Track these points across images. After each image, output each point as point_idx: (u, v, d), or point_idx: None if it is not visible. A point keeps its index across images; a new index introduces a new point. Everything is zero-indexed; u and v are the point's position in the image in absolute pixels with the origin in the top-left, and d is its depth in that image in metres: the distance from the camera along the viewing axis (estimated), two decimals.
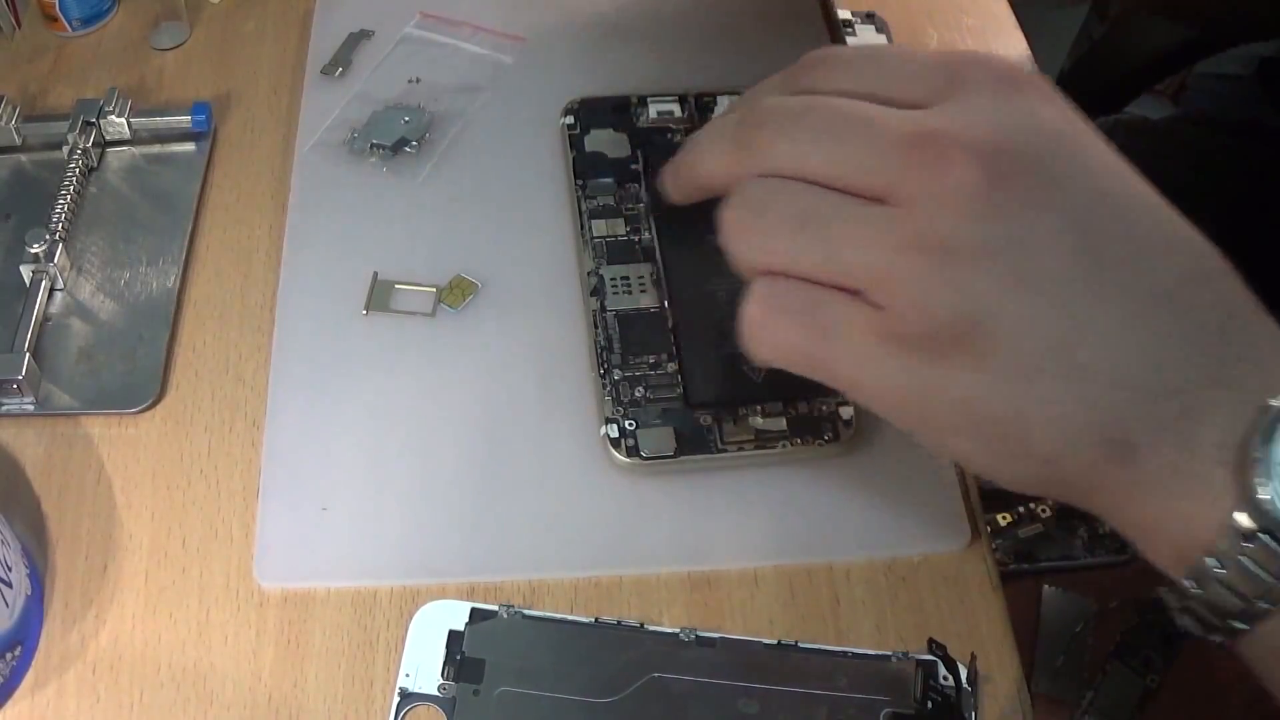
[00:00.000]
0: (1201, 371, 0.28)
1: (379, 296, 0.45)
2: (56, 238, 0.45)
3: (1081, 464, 0.28)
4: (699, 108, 0.50)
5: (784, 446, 0.40)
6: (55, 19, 0.55)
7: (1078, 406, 0.28)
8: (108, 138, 0.50)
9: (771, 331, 0.31)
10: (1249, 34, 0.80)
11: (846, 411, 0.41)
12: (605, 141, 0.49)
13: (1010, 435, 0.29)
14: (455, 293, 0.45)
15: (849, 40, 0.61)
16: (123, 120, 0.50)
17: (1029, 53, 0.64)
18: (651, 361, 0.42)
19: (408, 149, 0.50)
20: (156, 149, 0.51)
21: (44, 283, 0.45)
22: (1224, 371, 0.28)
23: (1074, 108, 0.31)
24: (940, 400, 0.29)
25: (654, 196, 0.47)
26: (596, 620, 0.38)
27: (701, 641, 0.37)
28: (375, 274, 0.45)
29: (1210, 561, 0.27)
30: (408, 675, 0.36)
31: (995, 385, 0.28)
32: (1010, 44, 0.63)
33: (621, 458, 0.40)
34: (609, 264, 0.45)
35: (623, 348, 0.42)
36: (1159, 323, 0.28)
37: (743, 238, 0.32)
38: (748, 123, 0.33)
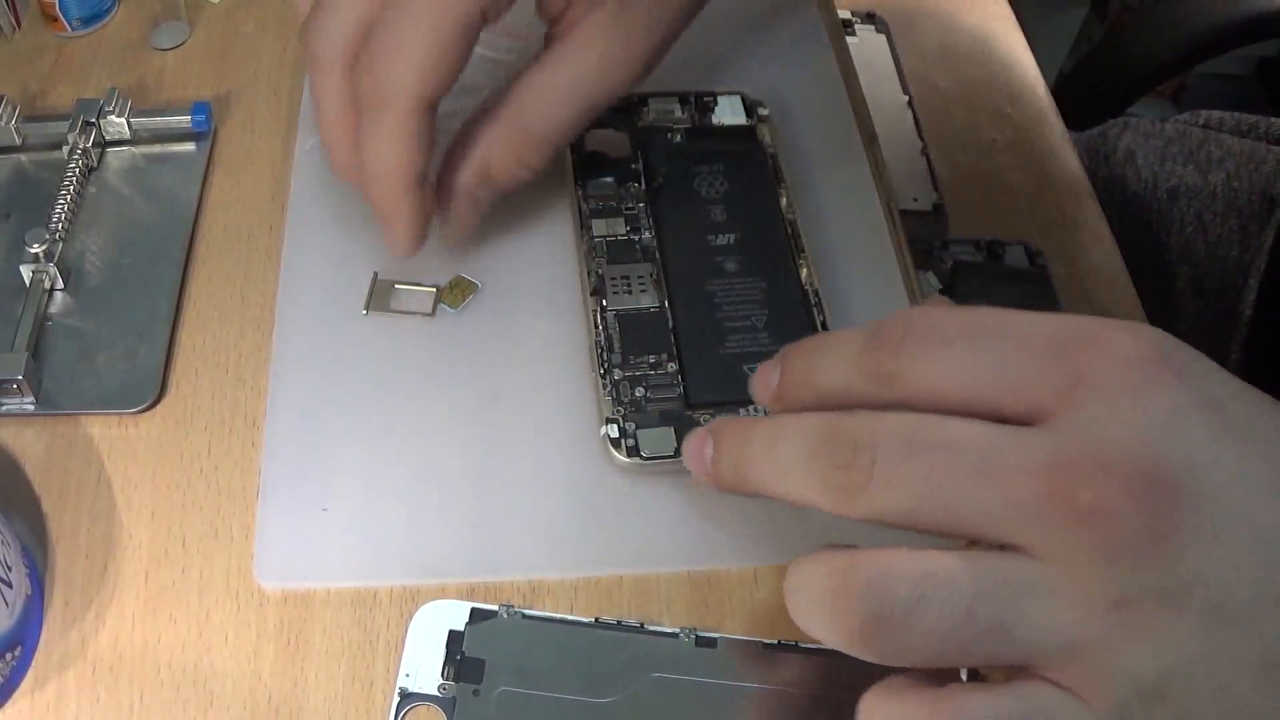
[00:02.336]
0: None
1: (379, 296, 0.45)
2: (56, 238, 0.45)
3: None
4: (699, 108, 0.50)
5: None
6: (55, 19, 0.55)
7: None
8: (108, 138, 0.50)
9: None
10: (1249, 34, 0.80)
11: None
12: (605, 141, 0.49)
13: None
14: (455, 293, 0.45)
15: (849, 41, 0.61)
16: (123, 120, 0.50)
17: (1029, 53, 0.64)
18: (651, 361, 0.42)
19: None
20: (156, 149, 0.51)
21: (44, 283, 0.45)
22: None
23: (1216, 375, 0.27)
24: None
25: (654, 195, 0.47)
26: (596, 620, 0.38)
27: (701, 641, 0.37)
28: (375, 274, 0.45)
29: None
30: (408, 675, 0.36)
31: None
32: (1010, 44, 0.63)
33: (621, 458, 0.40)
34: (609, 264, 0.45)
35: (623, 348, 0.42)
36: None
37: (884, 637, 0.27)
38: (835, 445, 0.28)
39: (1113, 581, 0.25)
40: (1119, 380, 0.26)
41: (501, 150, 0.41)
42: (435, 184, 0.42)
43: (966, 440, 0.26)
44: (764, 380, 0.32)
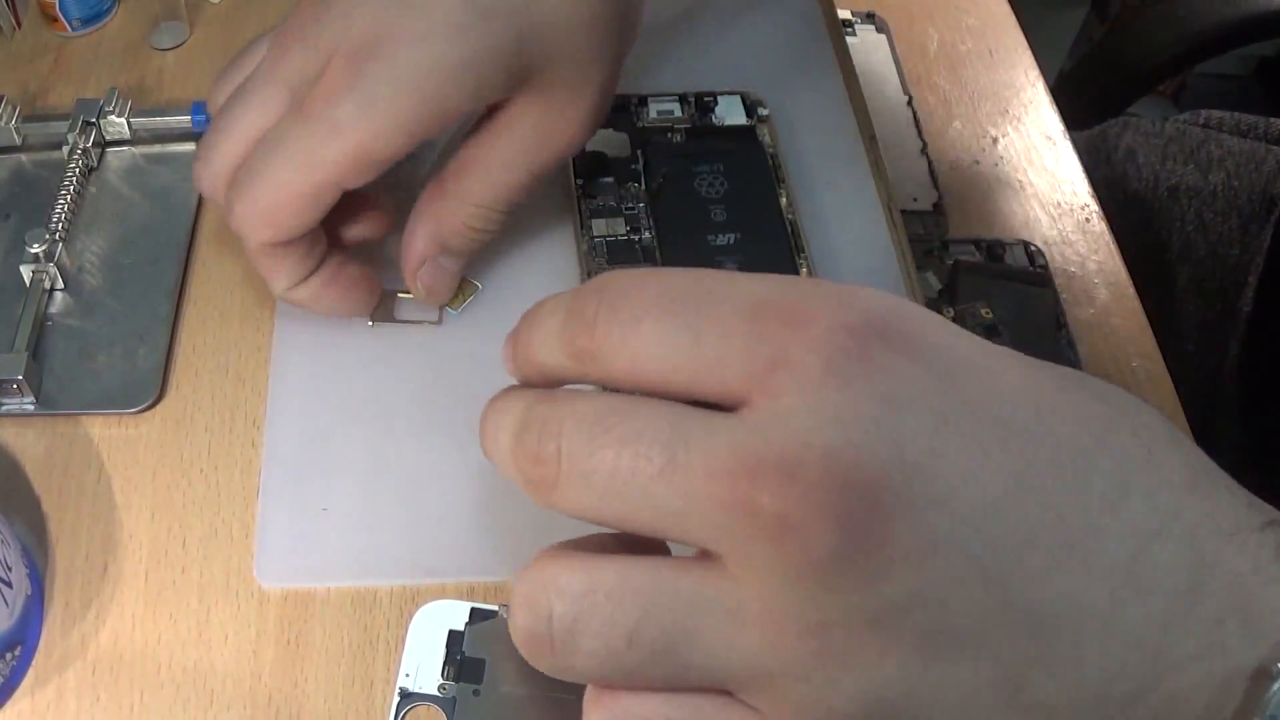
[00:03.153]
0: (1170, 652, 0.22)
1: (384, 307, 0.44)
2: (56, 238, 0.45)
3: None
4: (699, 108, 0.50)
5: None
6: (55, 19, 0.55)
7: None
8: (108, 138, 0.50)
9: None
10: (1248, 34, 0.80)
11: None
12: (605, 141, 0.49)
13: None
14: (456, 294, 0.45)
15: (849, 41, 0.61)
16: (123, 120, 0.50)
17: (1029, 53, 0.64)
18: None
19: None
20: (156, 149, 0.51)
21: (44, 283, 0.45)
22: (1202, 639, 0.22)
23: (950, 345, 0.23)
24: None
25: (654, 195, 0.47)
26: None
27: None
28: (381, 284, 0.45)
29: None
30: (408, 675, 0.36)
31: None
32: (1010, 44, 0.63)
33: None
34: (609, 264, 0.45)
35: None
36: (1109, 625, 0.22)
37: (540, 656, 0.24)
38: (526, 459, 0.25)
39: (806, 603, 0.22)
40: (821, 363, 0.22)
41: (452, 223, 0.41)
42: (401, 254, 0.42)
43: (655, 431, 0.23)
44: (505, 350, 0.29)
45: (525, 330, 0.27)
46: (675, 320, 0.23)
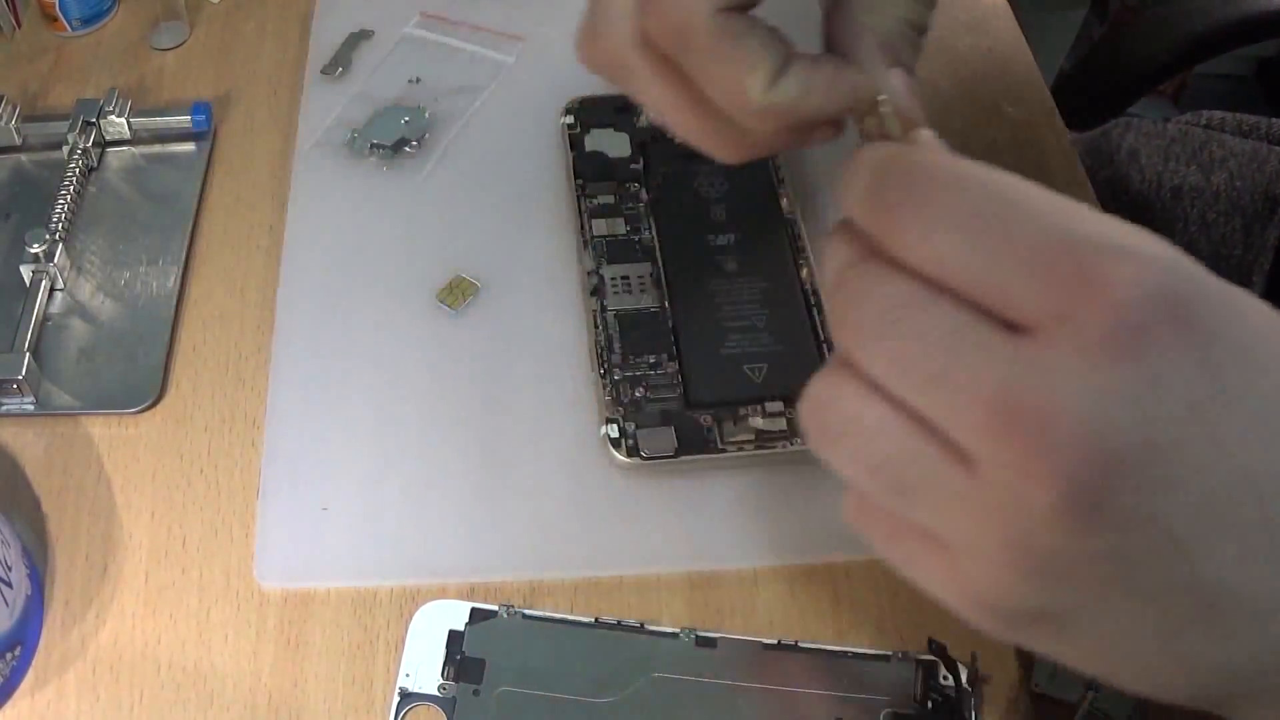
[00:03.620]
0: None
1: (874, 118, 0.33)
2: (56, 238, 0.45)
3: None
4: None
5: (784, 446, 0.40)
6: (55, 19, 0.55)
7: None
8: (108, 138, 0.50)
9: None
10: (1248, 34, 0.80)
11: None
12: (605, 141, 0.49)
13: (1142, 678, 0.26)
14: (455, 293, 0.45)
15: None
16: (123, 120, 0.50)
17: (1029, 53, 0.64)
18: (651, 361, 0.42)
19: (408, 149, 0.50)
20: (156, 149, 0.51)
21: (44, 283, 0.45)
22: None
23: (1231, 326, 0.24)
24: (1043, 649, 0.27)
25: (654, 195, 0.47)
26: (596, 620, 0.38)
27: (701, 641, 0.37)
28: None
29: None
30: (408, 675, 0.36)
31: (1085, 658, 0.26)
32: (1010, 44, 0.63)
33: (621, 458, 0.40)
34: (609, 264, 0.45)
35: (623, 348, 0.42)
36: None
37: (819, 446, 0.28)
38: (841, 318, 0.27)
39: (1014, 526, 0.24)
40: (1103, 332, 0.23)
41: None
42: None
43: (937, 336, 0.25)
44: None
45: (850, 174, 0.28)
46: (975, 241, 0.25)
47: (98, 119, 0.50)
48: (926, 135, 0.30)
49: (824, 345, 0.43)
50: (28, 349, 0.43)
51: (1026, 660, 0.38)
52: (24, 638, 0.36)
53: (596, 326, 0.43)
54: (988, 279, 0.25)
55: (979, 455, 0.24)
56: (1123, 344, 0.23)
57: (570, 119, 0.50)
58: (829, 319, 0.28)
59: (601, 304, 0.44)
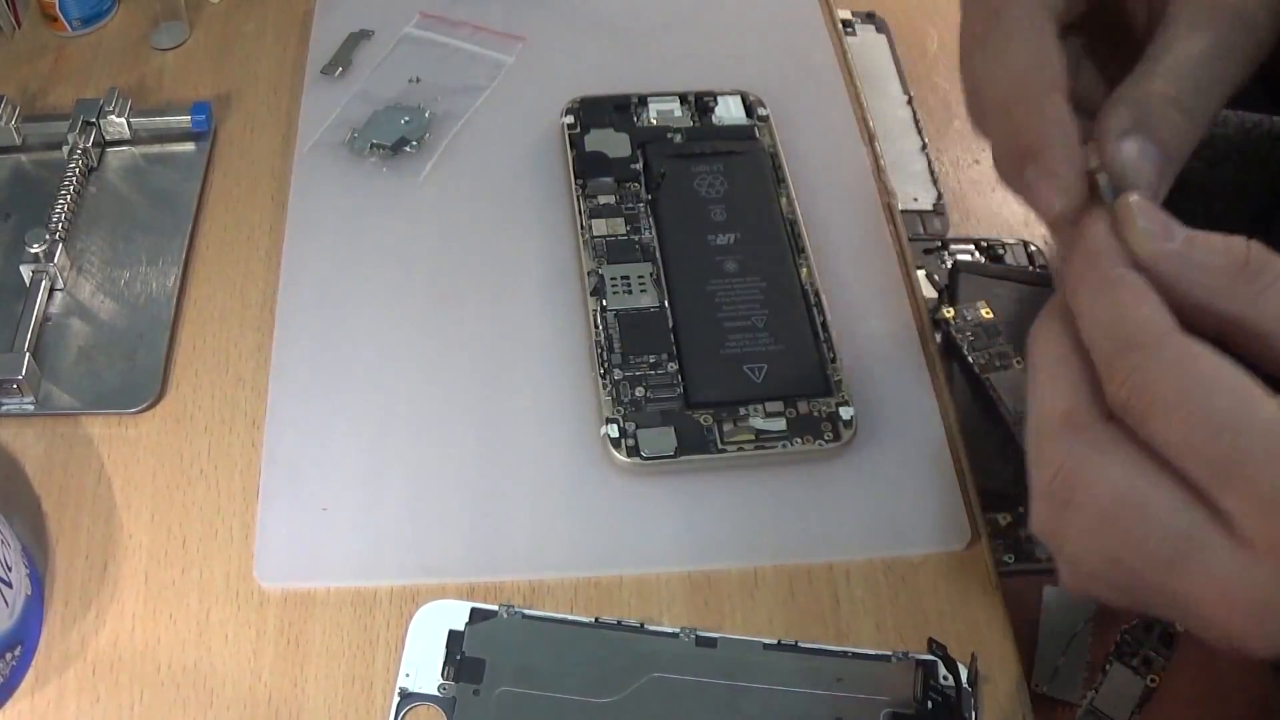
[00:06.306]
0: None
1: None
2: (56, 238, 0.45)
3: None
4: (699, 108, 0.50)
5: (784, 446, 0.40)
6: (55, 19, 0.55)
7: None
8: (108, 138, 0.50)
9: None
10: None
11: (846, 412, 0.41)
12: (605, 141, 0.49)
13: None
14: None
15: (849, 41, 0.61)
16: (123, 120, 0.50)
17: None
18: (651, 361, 0.42)
19: (408, 149, 0.50)
20: (156, 149, 0.51)
21: (44, 283, 0.45)
22: None
23: None
24: None
25: (654, 195, 0.47)
26: (596, 620, 0.38)
27: (701, 641, 0.37)
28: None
29: None
30: (408, 675, 0.36)
31: None
32: None
33: (621, 458, 0.40)
34: (609, 264, 0.45)
35: (623, 348, 0.42)
36: None
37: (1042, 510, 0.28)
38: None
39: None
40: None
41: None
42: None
43: (1164, 531, 0.26)
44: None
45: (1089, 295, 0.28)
46: (1197, 452, 0.25)
47: (98, 119, 0.50)
48: (1131, 200, 0.31)
49: (824, 345, 0.43)
50: (28, 349, 0.43)
51: (1026, 660, 0.38)
52: (24, 638, 0.36)
53: (596, 326, 0.43)
54: (1204, 471, 0.25)
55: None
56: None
57: (570, 119, 0.50)
58: (1034, 461, 0.28)
59: (601, 304, 0.44)
